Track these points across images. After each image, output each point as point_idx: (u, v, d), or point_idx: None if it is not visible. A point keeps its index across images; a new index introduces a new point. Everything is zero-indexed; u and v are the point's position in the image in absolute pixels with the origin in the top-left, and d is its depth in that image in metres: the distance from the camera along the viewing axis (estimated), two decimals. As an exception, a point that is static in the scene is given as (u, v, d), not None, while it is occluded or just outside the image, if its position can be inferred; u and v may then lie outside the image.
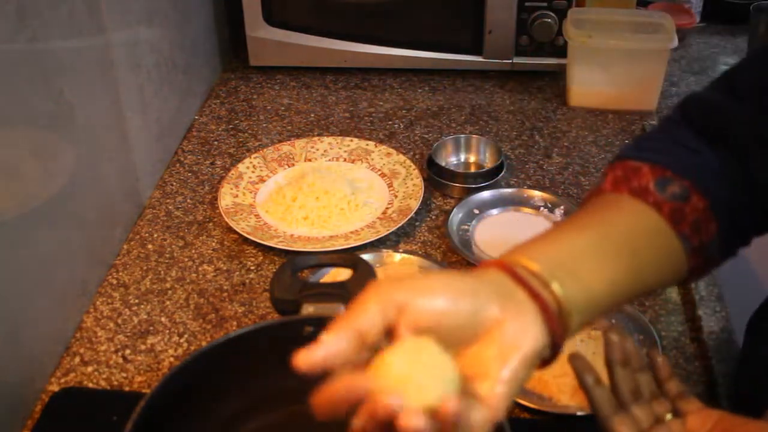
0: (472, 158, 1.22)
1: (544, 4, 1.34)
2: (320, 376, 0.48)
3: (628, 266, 0.59)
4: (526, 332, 0.51)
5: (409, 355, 0.47)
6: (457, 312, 0.50)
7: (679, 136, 0.69)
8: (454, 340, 0.50)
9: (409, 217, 1.06)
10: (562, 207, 1.09)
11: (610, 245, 0.60)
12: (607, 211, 0.64)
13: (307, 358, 0.47)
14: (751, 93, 0.67)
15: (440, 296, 0.50)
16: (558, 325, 0.53)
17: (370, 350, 0.49)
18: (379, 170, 1.17)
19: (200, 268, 1.03)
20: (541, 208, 1.10)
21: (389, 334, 0.49)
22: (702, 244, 0.64)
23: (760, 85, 0.67)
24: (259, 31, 1.41)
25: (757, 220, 0.69)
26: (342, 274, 0.89)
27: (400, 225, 1.05)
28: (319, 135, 1.28)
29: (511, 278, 0.53)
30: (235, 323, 0.94)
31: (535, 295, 0.52)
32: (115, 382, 0.87)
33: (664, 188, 0.64)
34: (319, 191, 1.09)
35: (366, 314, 0.49)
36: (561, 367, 0.83)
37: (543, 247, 0.58)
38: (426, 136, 1.29)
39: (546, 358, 0.54)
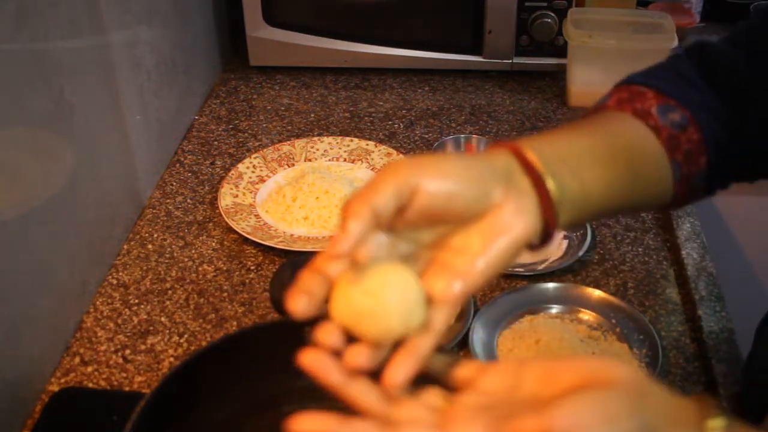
0: (472, 158, 1.22)
1: (544, 4, 1.34)
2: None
3: (622, 174, 0.62)
4: (521, 217, 0.53)
5: (372, 282, 0.48)
6: (464, 196, 0.52)
7: (684, 70, 0.72)
8: (457, 221, 0.52)
9: (409, 217, 1.06)
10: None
11: (609, 152, 0.62)
12: (609, 124, 0.68)
13: (340, 247, 0.48)
14: (748, 41, 0.70)
15: (451, 180, 0.52)
16: (552, 215, 0.55)
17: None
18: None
19: (200, 268, 1.03)
20: (541, 208, 1.10)
21: (398, 214, 0.51)
22: (690, 173, 0.67)
23: (756, 38, 0.70)
24: (259, 31, 1.41)
25: (742, 165, 0.72)
26: (342, 274, 0.89)
27: (400, 225, 1.05)
28: (319, 135, 1.28)
29: (519, 163, 0.55)
30: (235, 323, 0.94)
31: (537, 184, 0.55)
32: (115, 382, 0.87)
33: (665, 114, 0.67)
34: (319, 191, 1.09)
35: (383, 194, 0.49)
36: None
37: (547, 142, 0.60)
38: (426, 136, 1.29)
39: (534, 245, 0.56)
